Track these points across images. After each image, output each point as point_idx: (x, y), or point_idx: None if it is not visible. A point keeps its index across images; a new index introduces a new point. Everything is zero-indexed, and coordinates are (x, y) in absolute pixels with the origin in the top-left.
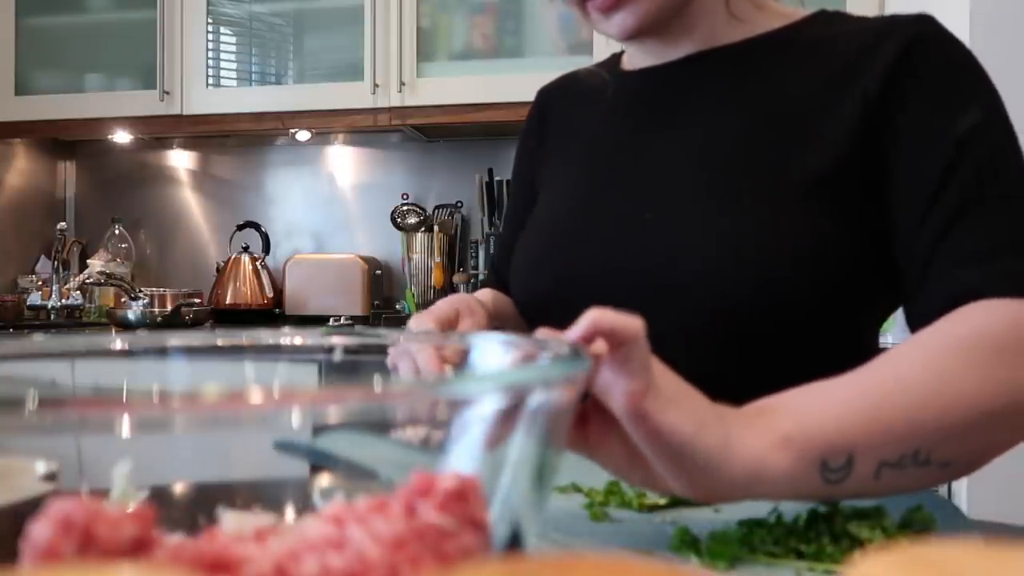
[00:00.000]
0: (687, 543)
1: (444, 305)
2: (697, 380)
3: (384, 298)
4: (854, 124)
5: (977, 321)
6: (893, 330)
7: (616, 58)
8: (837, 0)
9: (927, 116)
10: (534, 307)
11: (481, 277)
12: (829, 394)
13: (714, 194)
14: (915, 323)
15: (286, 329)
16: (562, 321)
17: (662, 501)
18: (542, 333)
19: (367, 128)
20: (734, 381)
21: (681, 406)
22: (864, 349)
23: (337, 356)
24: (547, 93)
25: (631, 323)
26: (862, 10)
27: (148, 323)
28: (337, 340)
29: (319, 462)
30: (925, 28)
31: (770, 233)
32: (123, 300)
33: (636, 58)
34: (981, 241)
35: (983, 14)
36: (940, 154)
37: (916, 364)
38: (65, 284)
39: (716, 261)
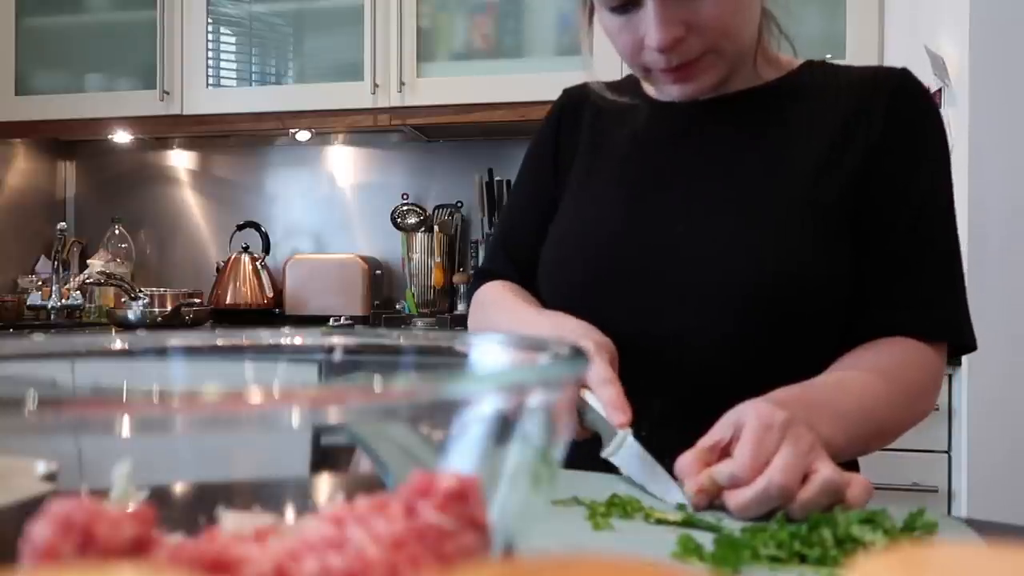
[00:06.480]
0: (691, 550)
1: (598, 337)
2: (719, 368)
3: (384, 298)
4: (857, 165)
5: (901, 359)
6: None
7: (635, 80)
8: (838, 3)
9: (902, 169)
10: (565, 297)
11: None
12: (830, 407)
13: (736, 212)
14: (856, 334)
15: (286, 329)
16: (594, 313)
17: (671, 517)
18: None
19: (367, 128)
20: (747, 368)
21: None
22: (839, 341)
23: (337, 356)
24: (577, 98)
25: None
26: (863, 14)
27: (148, 323)
28: (337, 340)
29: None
30: (906, 83)
31: (783, 245)
32: (123, 300)
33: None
34: (920, 290)
35: (983, 14)
36: (904, 206)
37: (880, 398)
38: (65, 284)
39: (736, 269)
